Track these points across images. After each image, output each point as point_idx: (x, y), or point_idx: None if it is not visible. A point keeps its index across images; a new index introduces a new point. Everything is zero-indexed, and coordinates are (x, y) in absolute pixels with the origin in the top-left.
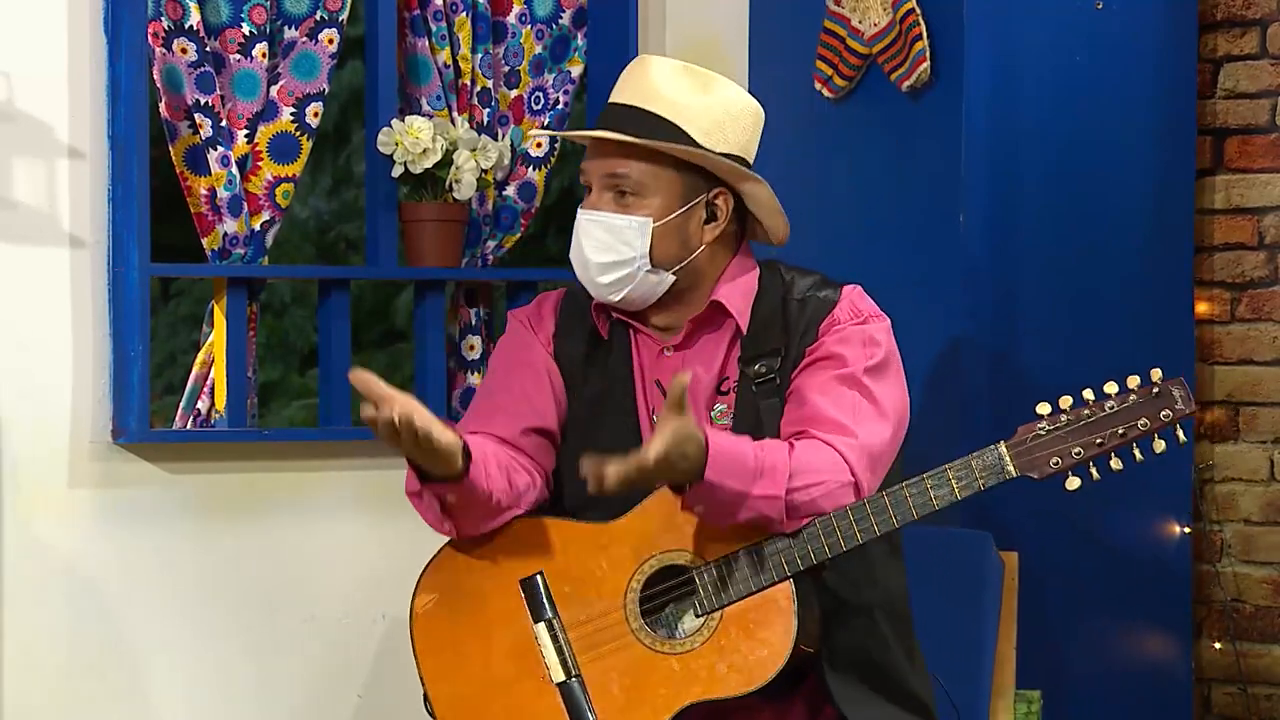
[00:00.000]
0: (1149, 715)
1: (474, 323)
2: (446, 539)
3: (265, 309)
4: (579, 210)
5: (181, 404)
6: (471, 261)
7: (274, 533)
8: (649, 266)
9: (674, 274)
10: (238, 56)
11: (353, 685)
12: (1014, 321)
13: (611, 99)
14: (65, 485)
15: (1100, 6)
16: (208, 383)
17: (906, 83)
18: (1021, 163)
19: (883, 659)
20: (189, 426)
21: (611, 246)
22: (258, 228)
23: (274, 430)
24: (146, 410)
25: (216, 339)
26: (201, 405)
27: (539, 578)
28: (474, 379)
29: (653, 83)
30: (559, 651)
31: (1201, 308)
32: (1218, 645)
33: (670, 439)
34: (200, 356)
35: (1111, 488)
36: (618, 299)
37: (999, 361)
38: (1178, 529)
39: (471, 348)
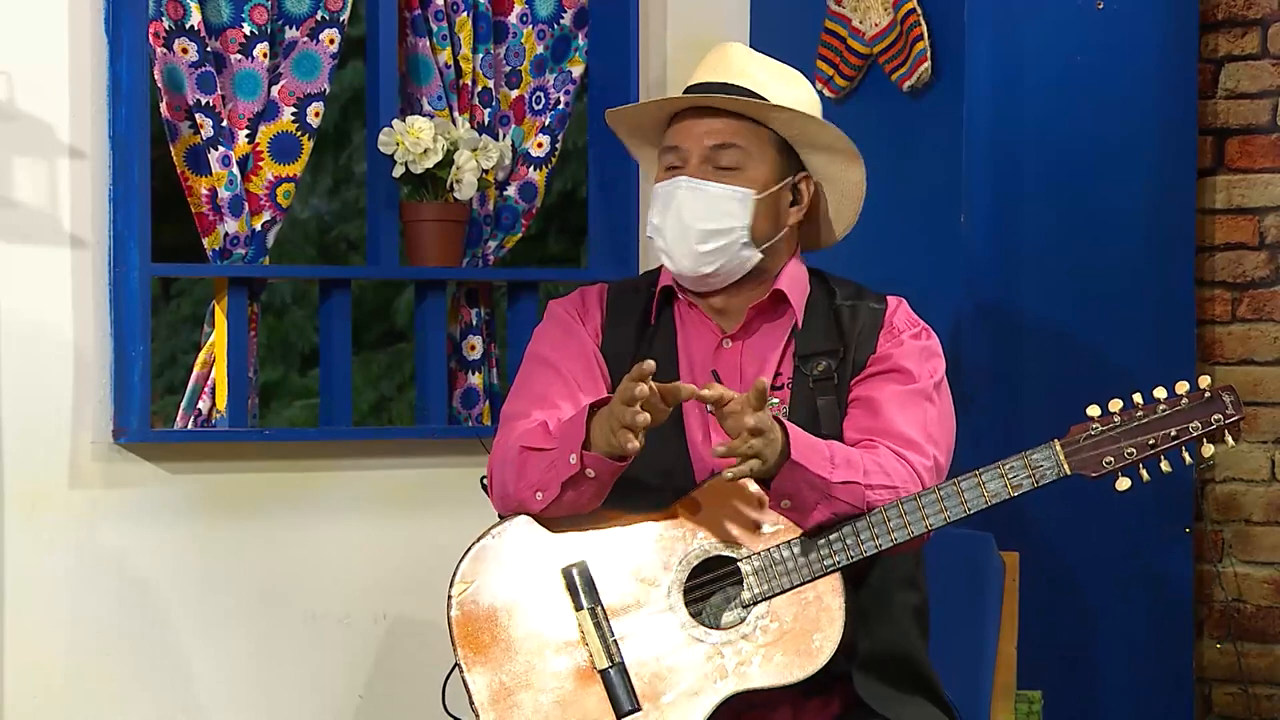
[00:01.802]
0: (1150, 715)
1: (475, 323)
2: (476, 535)
3: (266, 309)
4: (674, 179)
5: (182, 404)
6: (472, 261)
7: (275, 533)
8: (746, 239)
9: (761, 252)
10: (239, 56)
11: (353, 685)
12: (1015, 321)
13: (699, 79)
14: (66, 485)
15: (1101, 6)
16: (209, 383)
17: (907, 83)
18: (1022, 163)
19: (919, 659)
20: (190, 426)
21: (713, 216)
22: (258, 228)
23: (275, 430)
24: (147, 410)
25: (217, 339)
26: (202, 405)
27: (583, 565)
28: (475, 379)
29: (742, 66)
30: (602, 639)
31: (1202, 308)
32: (1219, 645)
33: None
34: (201, 356)
35: (1113, 487)
36: (709, 270)
37: (1000, 361)
38: (1179, 529)
39: (472, 348)
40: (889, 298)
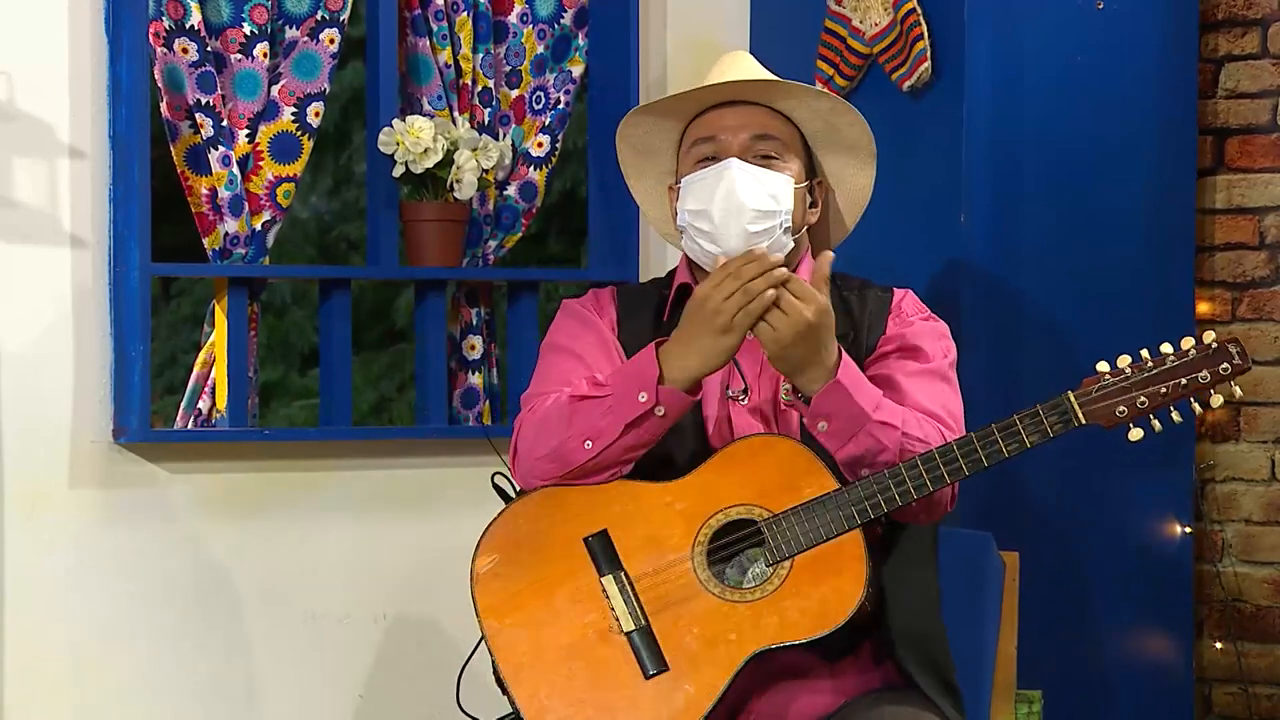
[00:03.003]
0: (1150, 715)
1: (475, 323)
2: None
3: (266, 309)
4: (727, 160)
5: (182, 404)
6: (472, 261)
7: (274, 532)
8: (788, 224)
9: (794, 241)
10: (239, 56)
11: (353, 685)
12: (1015, 321)
13: (717, 79)
14: (66, 485)
15: (1101, 6)
16: (209, 383)
17: (907, 83)
18: (1022, 163)
19: (935, 641)
20: (190, 426)
21: (763, 198)
22: (259, 227)
23: (275, 430)
24: (148, 410)
25: (217, 339)
26: (202, 405)
27: (604, 533)
28: (475, 379)
29: (758, 70)
30: (627, 602)
31: (1202, 307)
32: (1219, 645)
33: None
34: (201, 356)
35: (1113, 487)
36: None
37: (999, 361)
38: (1179, 529)
39: (472, 347)
40: (895, 289)
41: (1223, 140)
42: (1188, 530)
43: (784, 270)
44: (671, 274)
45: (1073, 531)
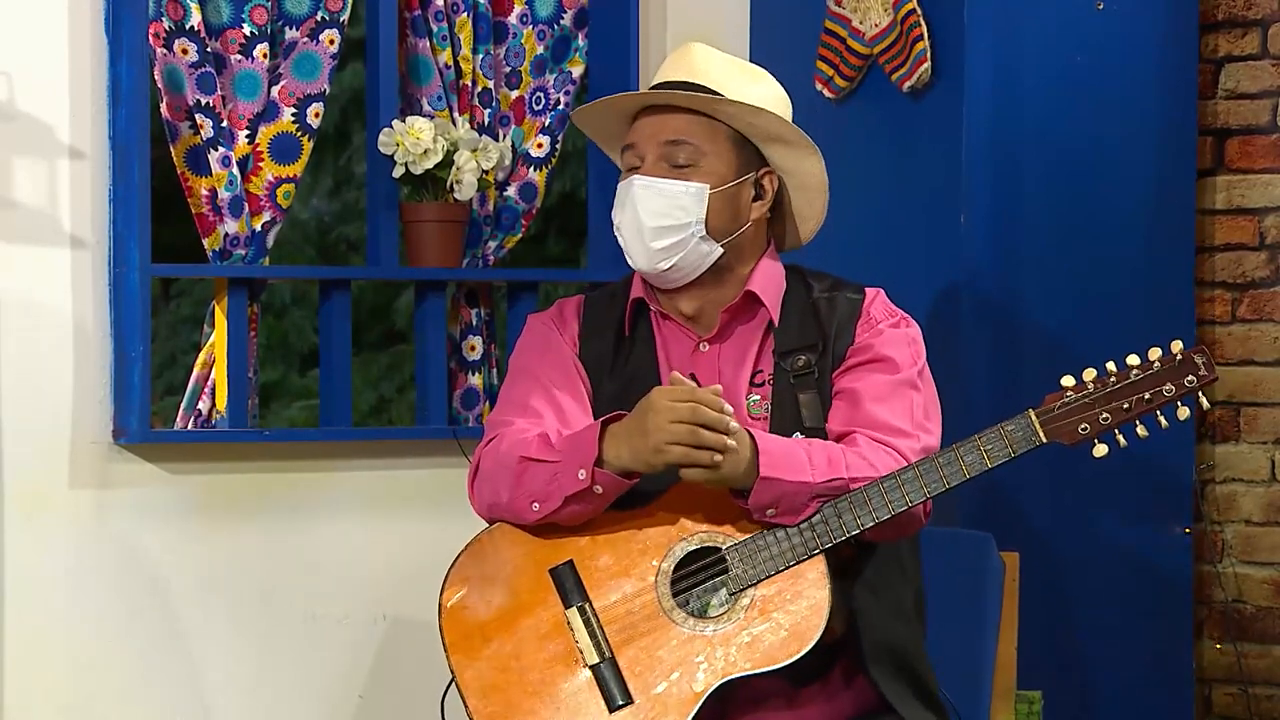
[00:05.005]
0: (1150, 716)
1: (475, 323)
2: (471, 539)
3: (266, 309)
4: (631, 177)
5: (182, 404)
6: (472, 262)
7: (274, 533)
8: (703, 233)
9: (722, 246)
10: (239, 57)
11: (353, 685)
12: (1015, 321)
13: (660, 79)
14: (66, 485)
15: (1101, 7)
16: (208, 383)
17: (907, 83)
18: (1022, 163)
19: (911, 654)
20: (190, 427)
21: (667, 212)
22: (259, 228)
23: (275, 431)
24: (147, 411)
25: (217, 339)
26: (202, 406)
27: (570, 564)
28: (474, 379)
29: (702, 65)
30: (591, 635)
31: (1202, 308)
32: (1219, 646)
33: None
34: (201, 357)
35: (1113, 488)
36: (667, 266)
37: (999, 361)
38: (1179, 529)
39: (472, 348)
40: (867, 289)
41: (1223, 141)
42: (1187, 531)
43: (735, 425)
44: (629, 280)
45: (1073, 532)
